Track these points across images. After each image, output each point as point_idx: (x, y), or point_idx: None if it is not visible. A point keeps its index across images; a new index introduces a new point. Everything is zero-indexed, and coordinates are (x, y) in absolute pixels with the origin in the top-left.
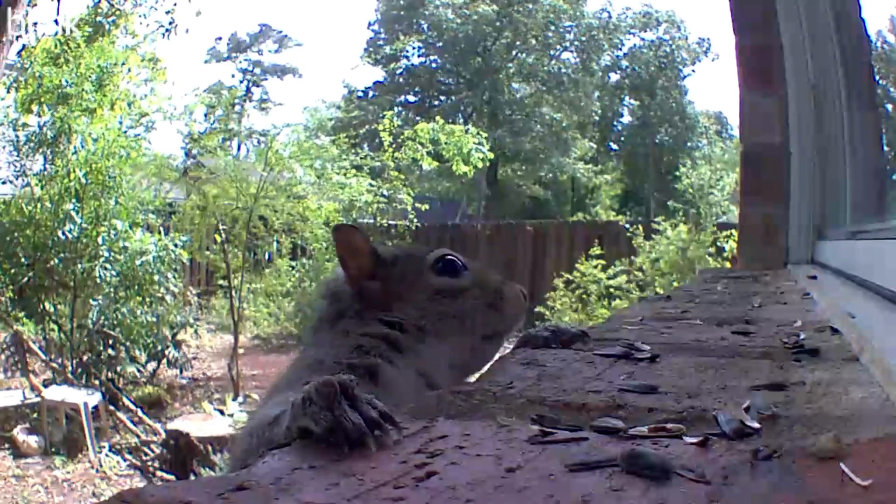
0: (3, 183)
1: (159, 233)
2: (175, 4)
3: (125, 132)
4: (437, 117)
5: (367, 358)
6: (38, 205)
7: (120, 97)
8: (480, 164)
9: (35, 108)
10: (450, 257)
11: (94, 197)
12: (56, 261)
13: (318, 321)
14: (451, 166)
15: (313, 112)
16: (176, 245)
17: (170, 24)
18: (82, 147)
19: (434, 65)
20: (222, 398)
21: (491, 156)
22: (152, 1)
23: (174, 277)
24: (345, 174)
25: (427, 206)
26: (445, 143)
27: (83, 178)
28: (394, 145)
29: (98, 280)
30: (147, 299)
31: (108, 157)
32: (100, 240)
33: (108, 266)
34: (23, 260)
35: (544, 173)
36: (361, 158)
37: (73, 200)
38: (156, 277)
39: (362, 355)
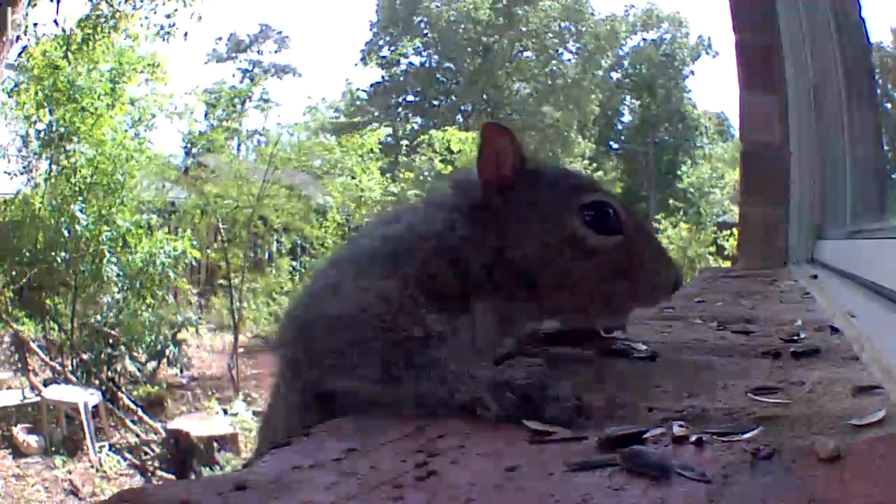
0: (10, 177)
1: (171, 234)
2: (175, 10)
3: (126, 130)
4: (438, 118)
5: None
6: (42, 203)
7: (122, 97)
8: None
9: (47, 107)
10: (605, 207)
11: (98, 196)
12: (59, 260)
13: (433, 205)
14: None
15: (314, 112)
16: (188, 248)
17: (170, 26)
18: (92, 147)
19: (434, 65)
20: (223, 397)
21: None
22: (152, 4)
23: (175, 277)
24: (361, 170)
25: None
26: (459, 151)
27: (90, 178)
28: (409, 149)
29: (104, 279)
30: (149, 299)
31: (115, 158)
32: (102, 238)
33: (110, 265)
34: (25, 259)
35: None
36: (367, 159)
37: (79, 200)
38: (166, 280)
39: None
